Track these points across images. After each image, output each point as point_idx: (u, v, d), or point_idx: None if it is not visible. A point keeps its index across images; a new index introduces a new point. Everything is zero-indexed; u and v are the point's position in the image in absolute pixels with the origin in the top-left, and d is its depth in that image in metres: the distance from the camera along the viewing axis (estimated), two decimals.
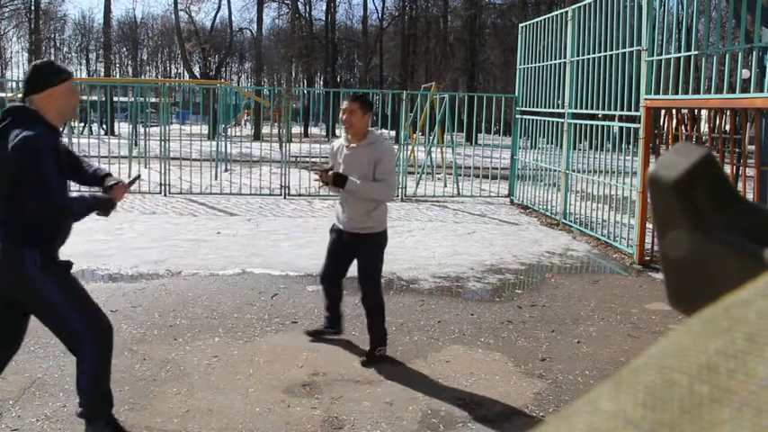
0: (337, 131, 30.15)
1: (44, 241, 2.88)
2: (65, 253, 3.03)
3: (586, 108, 8.37)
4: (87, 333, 2.95)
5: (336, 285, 4.32)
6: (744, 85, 7.13)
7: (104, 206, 3.00)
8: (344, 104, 3.96)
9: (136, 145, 15.00)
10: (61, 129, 3.15)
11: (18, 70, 52.85)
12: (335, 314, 4.39)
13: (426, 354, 4.26)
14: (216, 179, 12.60)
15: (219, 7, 39.77)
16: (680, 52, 6.46)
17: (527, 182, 10.81)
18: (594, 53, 8.10)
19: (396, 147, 13.36)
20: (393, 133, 22.57)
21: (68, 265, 2.98)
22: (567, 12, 9.06)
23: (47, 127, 2.84)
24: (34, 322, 3.08)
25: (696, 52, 6.24)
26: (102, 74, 40.74)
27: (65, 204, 2.84)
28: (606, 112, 8.17)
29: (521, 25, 10.93)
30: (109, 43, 38.43)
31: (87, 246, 6.78)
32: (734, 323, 0.24)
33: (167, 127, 11.44)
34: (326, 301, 4.38)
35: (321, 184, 4.06)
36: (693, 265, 0.32)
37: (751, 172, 7.14)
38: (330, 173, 3.91)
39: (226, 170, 13.80)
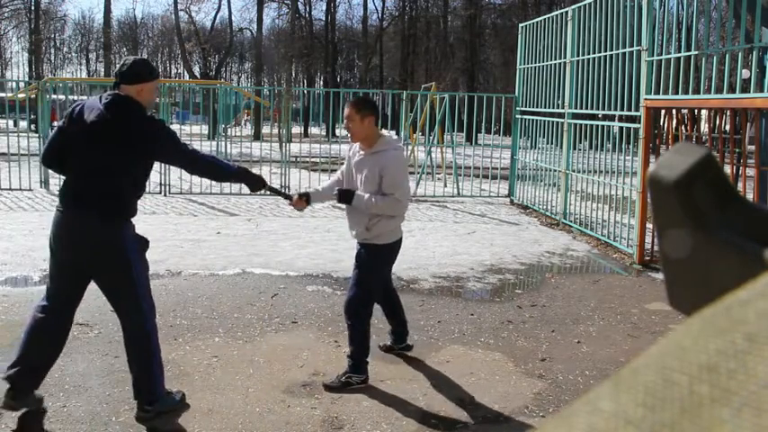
0: (337, 132, 30.17)
1: (132, 215, 3.25)
2: None
3: (586, 108, 8.37)
4: (151, 313, 3.25)
5: (388, 298, 4.11)
6: (744, 85, 7.13)
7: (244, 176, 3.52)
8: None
9: None
10: None
11: (18, 70, 52.89)
12: (397, 325, 4.19)
13: (426, 354, 4.26)
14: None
15: (219, 7, 39.78)
16: (680, 52, 6.46)
17: (527, 182, 10.81)
18: (594, 53, 8.10)
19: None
20: (393, 133, 22.56)
21: (147, 242, 3.34)
22: (567, 12, 9.06)
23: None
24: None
25: (696, 52, 6.24)
26: (102, 74, 40.73)
27: (202, 158, 3.40)
28: (606, 112, 8.17)
29: (521, 25, 10.93)
30: (109, 43, 38.44)
31: None
32: (734, 323, 0.24)
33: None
34: (388, 319, 4.21)
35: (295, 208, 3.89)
36: (693, 265, 0.32)
37: (751, 172, 7.14)
38: (336, 190, 3.73)
39: None
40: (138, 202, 3.36)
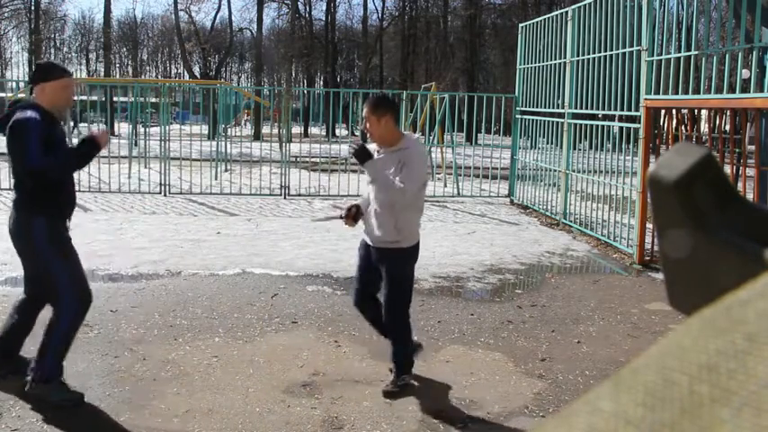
0: (337, 131, 30.12)
1: (46, 209, 3.41)
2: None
3: (586, 108, 8.37)
4: (71, 305, 3.45)
5: (368, 305, 3.85)
6: (744, 85, 7.13)
7: (88, 147, 3.50)
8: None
9: (136, 145, 15.01)
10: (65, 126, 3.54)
11: (18, 70, 52.87)
12: (409, 349, 3.86)
13: (426, 354, 4.25)
14: (216, 179, 12.60)
15: (219, 7, 39.76)
16: (680, 52, 6.46)
17: (527, 182, 10.81)
18: (594, 53, 8.10)
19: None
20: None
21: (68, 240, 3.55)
22: (567, 12, 9.06)
23: (40, 111, 3.37)
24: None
25: (696, 52, 6.24)
26: (102, 74, 40.73)
27: (41, 165, 3.29)
28: (606, 112, 8.17)
29: (521, 25, 10.93)
30: (109, 43, 38.41)
31: (87, 246, 6.77)
32: (734, 323, 0.24)
33: (167, 127, 11.44)
34: (374, 327, 3.93)
35: (345, 218, 3.71)
36: (693, 265, 0.32)
37: (751, 172, 7.14)
38: (354, 145, 3.58)
39: (226, 170, 13.80)
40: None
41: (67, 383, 3.48)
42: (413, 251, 3.67)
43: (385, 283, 3.67)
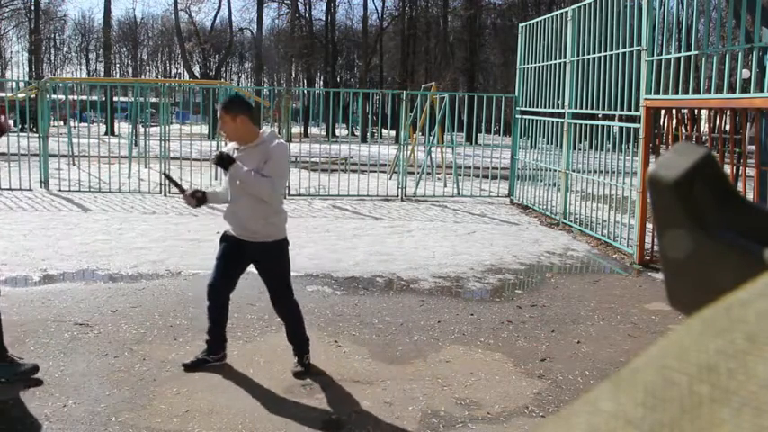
0: (337, 131, 30.07)
1: None
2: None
3: (586, 108, 8.37)
4: None
5: (225, 302, 3.90)
6: (744, 85, 7.13)
7: None
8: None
9: (136, 145, 15.01)
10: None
11: (18, 70, 52.87)
12: (219, 335, 3.91)
13: (426, 354, 4.26)
14: (216, 179, 12.59)
15: (219, 7, 39.80)
16: (680, 52, 6.46)
17: (527, 182, 10.81)
18: (594, 53, 8.10)
19: (395, 147, 13.41)
20: (393, 133, 22.54)
21: None
22: (566, 12, 9.06)
23: None
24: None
25: (696, 52, 6.24)
26: (102, 74, 40.72)
27: None
28: (606, 112, 8.17)
29: (521, 25, 10.93)
30: (109, 43, 38.43)
31: (87, 246, 6.78)
32: (734, 323, 0.24)
33: (167, 127, 11.44)
34: (211, 320, 3.88)
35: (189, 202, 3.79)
36: (693, 265, 0.32)
37: (751, 172, 7.14)
38: (215, 154, 3.68)
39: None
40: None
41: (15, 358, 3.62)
42: (286, 241, 3.86)
43: (266, 277, 3.83)
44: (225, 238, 3.88)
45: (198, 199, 3.76)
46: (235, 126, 3.59)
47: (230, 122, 3.58)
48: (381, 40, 40.58)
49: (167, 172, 3.86)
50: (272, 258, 3.80)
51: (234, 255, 3.83)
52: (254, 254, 3.78)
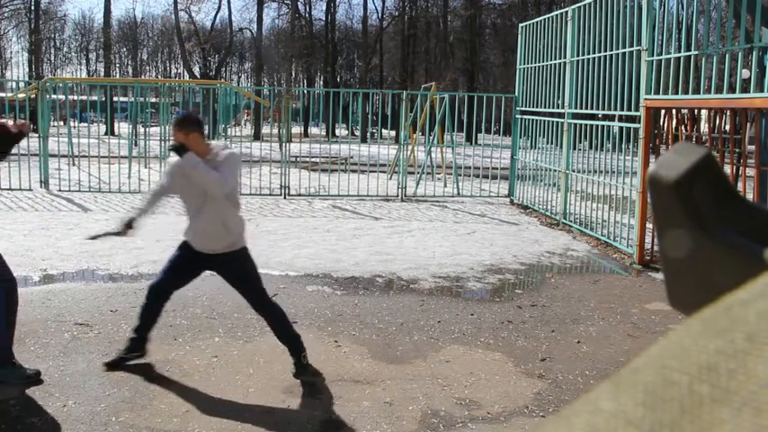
0: (337, 132, 30.05)
1: None
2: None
3: (586, 108, 8.37)
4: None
5: (162, 303, 3.92)
6: (744, 85, 7.13)
7: None
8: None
9: (136, 145, 15.01)
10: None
11: (18, 70, 52.86)
12: (145, 335, 3.91)
13: (426, 354, 4.26)
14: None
15: (219, 7, 39.77)
16: (680, 52, 6.46)
17: (527, 182, 10.81)
18: (594, 53, 8.10)
19: (395, 146, 13.40)
20: (393, 133, 22.54)
21: None
22: (566, 12, 9.06)
23: None
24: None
25: (696, 52, 6.24)
26: (102, 74, 40.73)
27: None
28: (606, 112, 8.16)
29: (521, 25, 10.93)
30: (109, 43, 38.43)
31: (87, 246, 6.77)
32: (734, 323, 0.24)
33: (167, 127, 11.44)
34: (143, 320, 3.89)
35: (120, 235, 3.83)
36: (693, 265, 0.32)
37: (751, 172, 7.13)
38: (171, 145, 3.74)
39: None
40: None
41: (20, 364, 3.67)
42: (247, 248, 3.92)
43: (241, 286, 3.85)
44: (185, 247, 3.91)
45: (130, 228, 3.83)
46: (187, 142, 3.67)
47: (183, 139, 3.67)
48: (381, 40, 40.57)
49: (95, 236, 3.90)
50: (240, 266, 3.84)
51: (189, 264, 3.88)
52: (215, 266, 3.83)
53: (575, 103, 8.77)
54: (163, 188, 3.94)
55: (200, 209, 3.73)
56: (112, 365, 3.83)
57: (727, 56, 6.88)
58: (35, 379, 3.64)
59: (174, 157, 3.77)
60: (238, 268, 3.84)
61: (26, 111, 11.97)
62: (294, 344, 3.88)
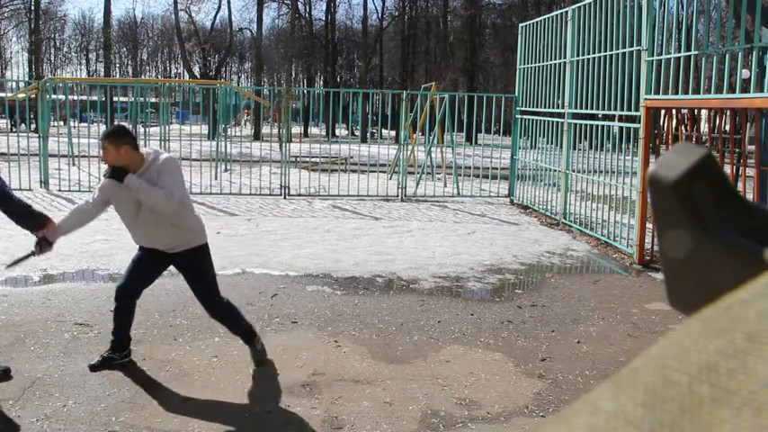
0: (337, 132, 30.03)
1: None
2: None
3: (586, 108, 8.37)
4: None
5: (133, 303, 3.90)
6: (744, 85, 7.13)
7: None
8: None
9: None
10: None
11: (18, 70, 52.87)
12: (124, 336, 3.90)
13: (426, 354, 4.26)
14: (216, 179, 12.60)
15: (219, 7, 39.76)
16: (680, 52, 6.46)
17: (527, 182, 10.81)
18: (594, 53, 8.10)
19: (395, 147, 13.40)
20: (393, 133, 22.54)
21: None
22: (566, 12, 9.06)
23: None
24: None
25: (696, 52, 6.24)
26: (102, 74, 40.73)
27: None
28: (606, 112, 8.16)
29: (521, 25, 10.93)
30: (109, 43, 38.44)
31: (87, 246, 6.77)
32: (734, 323, 0.24)
33: (167, 127, 11.44)
34: (117, 321, 3.87)
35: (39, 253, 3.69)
36: (693, 265, 0.32)
37: (751, 172, 7.14)
38: (108, 167, 3.64)
39: (226, 170, 13.80)
40: None
41: None
42: (207, 246, 3.93)
43: (195, 285, 3.85)
44: (143, 249, 3.91)
45: (47, 243, 3.68)
46: (118, 155, 3.58)
47: (113, 152, 3.59)
48: (381, 40, 40.57)
49: (13, 263, 3.82)
50: (195, 264, 3.83)
51: (152, 263, 3.88)
52: (175, 262, 3.85)
53: (575, 103, 8.77)
54: (90, 204, 3.80)
55: (135, 216, 3.70)
56: (96, 367, 3.82)
57: (727, 56, 6.88)
58: (2, 377, 3.62)
59: (110, 182, 3.64)
60: (196, 266, 3.85)
61: (27, 110, 11.97)
62: (247, 334, 3.96)
